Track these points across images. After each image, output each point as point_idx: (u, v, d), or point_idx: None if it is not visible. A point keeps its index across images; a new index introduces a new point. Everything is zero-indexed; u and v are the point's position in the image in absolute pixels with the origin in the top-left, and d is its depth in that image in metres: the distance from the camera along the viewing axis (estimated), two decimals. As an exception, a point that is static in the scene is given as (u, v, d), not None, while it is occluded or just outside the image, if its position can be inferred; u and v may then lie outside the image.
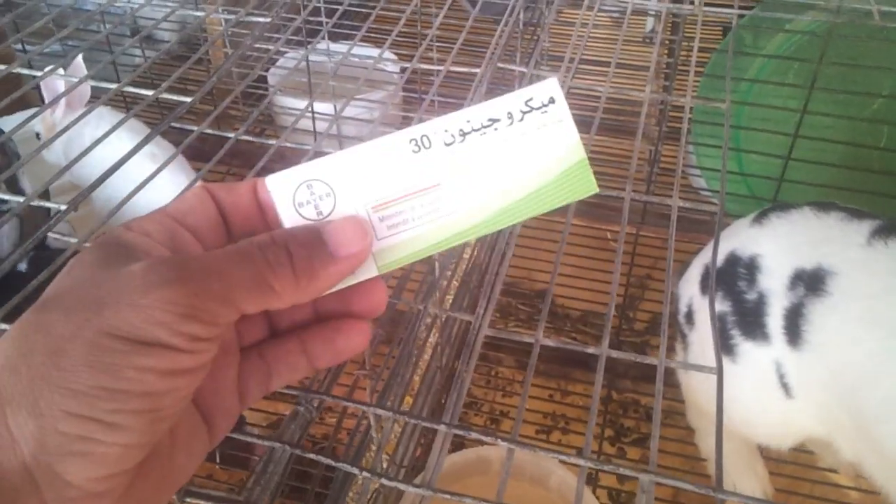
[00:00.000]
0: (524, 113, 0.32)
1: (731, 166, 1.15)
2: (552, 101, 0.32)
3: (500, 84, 1.19)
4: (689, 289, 0.85)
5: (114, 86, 0.60)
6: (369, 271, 0.31)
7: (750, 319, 0.76)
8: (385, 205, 0.31)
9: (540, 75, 0.97)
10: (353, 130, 1.26)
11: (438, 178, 0.31)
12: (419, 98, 1.28)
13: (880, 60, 0.98)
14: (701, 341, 0.82)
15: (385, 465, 0.74)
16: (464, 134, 0.32)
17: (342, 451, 0.67)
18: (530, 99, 0.32)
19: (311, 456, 0.41)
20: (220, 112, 0.59)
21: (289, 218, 0.31)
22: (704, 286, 0.82)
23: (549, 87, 0.32)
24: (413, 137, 0.32)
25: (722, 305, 0.78)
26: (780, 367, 0.73)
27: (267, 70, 1.40)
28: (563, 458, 0.35)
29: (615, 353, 0.40)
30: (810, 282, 0.71)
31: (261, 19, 0.73)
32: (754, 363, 0.75)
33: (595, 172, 0.33)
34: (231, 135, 0.56)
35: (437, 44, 0.94)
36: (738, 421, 0.79)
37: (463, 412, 1.06)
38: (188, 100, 0.57)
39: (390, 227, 0.31)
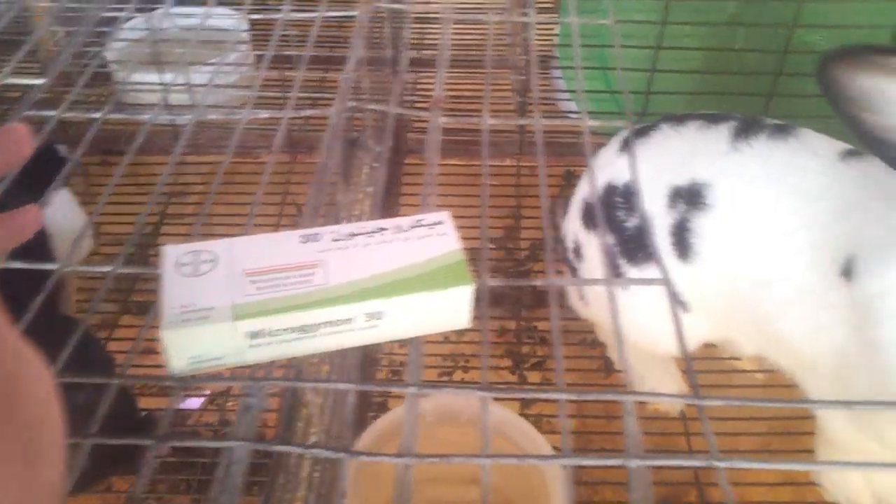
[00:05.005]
0: (412, 227, 0.37)
1: (599, 85, 1.17)
2: (440, 223, 0.38)
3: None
4: (573, 225, 0.85)
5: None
6: (224, 318, 0.33)
7: (633, 246, 0.77)
8: (259, 272, 0.35)
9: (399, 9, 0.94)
10: (211, 98, 1.18)
11: (319, 259, 0.35)
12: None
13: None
14: (591, 272, 0.83)
15: (322, 439, 0.71)
16: (353, 236, 0.36)
17: (272, 434, 0.65)
18: (421, 220, 0.38)
19: (264, 447, 0.38)
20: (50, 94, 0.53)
21: (168, 279, 0.35)
22: (586, 221, 0.82)
23: (441, 216, 0.38)
24: (304, 234, 0.37)
25: (606, 238, 0.78)
26: (671, 285, 0.74)
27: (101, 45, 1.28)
28: (545, 395, 0.34)
29: (567, 282, 0.39)
30: (689, 197, 0.73)
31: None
32: (645, 287, 0.77)
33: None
34: (97, 115, 0.50)
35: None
36: (639, 340, 0.81)
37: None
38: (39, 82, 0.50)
39: (259, 288, 0.34)
